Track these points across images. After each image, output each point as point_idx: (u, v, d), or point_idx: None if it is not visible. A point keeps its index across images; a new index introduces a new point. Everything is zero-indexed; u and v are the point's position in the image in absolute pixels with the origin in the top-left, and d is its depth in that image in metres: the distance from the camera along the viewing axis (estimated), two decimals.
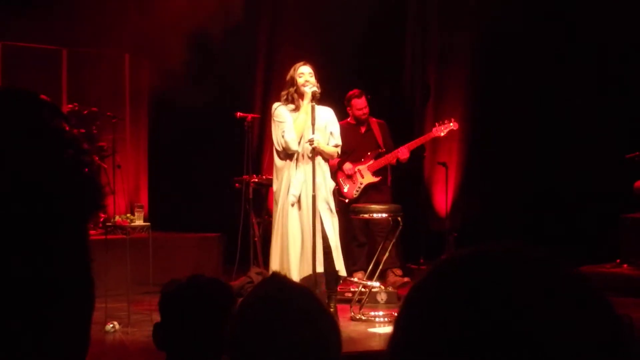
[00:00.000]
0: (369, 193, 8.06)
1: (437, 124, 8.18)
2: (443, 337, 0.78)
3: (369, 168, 8.12)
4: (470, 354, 0.77)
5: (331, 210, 6.30)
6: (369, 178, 8.11)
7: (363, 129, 8.30)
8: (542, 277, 0.81)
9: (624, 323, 0.82)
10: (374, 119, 8.37)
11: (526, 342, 0.76)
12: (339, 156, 7.93)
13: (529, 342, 0.76)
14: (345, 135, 8.13)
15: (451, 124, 8.09)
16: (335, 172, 8.07)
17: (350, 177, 8.09)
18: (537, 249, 0.84)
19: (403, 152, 8.09)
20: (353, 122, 8.30)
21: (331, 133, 6.36)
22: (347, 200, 7.97)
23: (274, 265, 6.20)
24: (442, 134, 8.15)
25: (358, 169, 8.11)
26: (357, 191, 8.06)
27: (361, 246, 8.24)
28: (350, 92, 8.34)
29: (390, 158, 8.11)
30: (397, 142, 8.35)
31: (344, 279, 6.65)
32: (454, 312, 0.79)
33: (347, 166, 8.07)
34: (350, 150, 8.05)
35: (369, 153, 8.15)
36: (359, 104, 8.26)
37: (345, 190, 8.08)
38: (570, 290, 0.82)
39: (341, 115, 8.11)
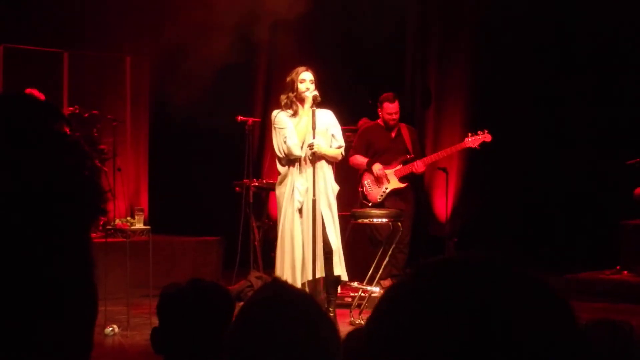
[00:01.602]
0: (393, 200, 7.83)
1: (469, 135, 7.86)
2: (417, 343, 0.81)
3: (395, 173, 7.90)
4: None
5: (333, 214, 6.30)
6: (395, 183, 7.89)
7: (393, 134, 8.09)
8: (509, 284, 0.85)
9: (579, 322, 0.86)
10: (404, 124, 8.19)
11: (494, 345, 0.80)
12: (367, 156, 7.90)
13: (498, 345, 0.80)
14: (375, 136, 8.02)
15: (484, 135, 7.80)
16: (361, 174, 7.97)
17: (377, 179, 7.86)
18: (505, 258, 0.88)
19: (418, 166, 7.89)
20: (383, 124, 8.11)
21: (333, 135, 6.37)
22: (370, 204, 7.77)
23: (279, 270, 6.20)
24: (476, 146, 7.84)
25: (385, 173, 7.90)
26: (382, 196, 7.84)
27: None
28: (385, 94, 8.10)
29: (414, 165, 7.91)
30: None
31: (345, 283, 6.65)
32: (426, 320, 0.82)
33: (377, 167, 7.83)
34: (380, 152, 7.94)
35: (398, 158, 7.94)
36: (390, 109, 8.00)
37: (370, 194, 7.87)
38: (536, 295, 0.85)
39: (348, 116, 8.08)
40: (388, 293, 0.89)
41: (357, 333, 1.88)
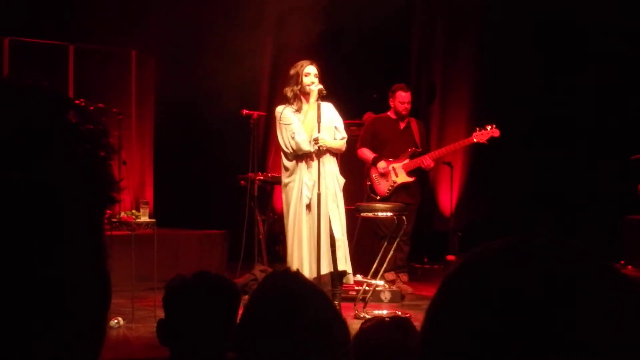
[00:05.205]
0: (399, 193, 7.77)
1: (477, 129, 7.75)
2: (475, 334, 0.76)
3: (403, 167, 7.83)
4: (505, 353, 0.74)
5: (339, 208, 6.31)
6: (403, 177, 7.82)
7: (402, 125, 8.02)
8: (582, 271, 0.79)
9: None
10: (414, 119, 8.14)
11: (564, 338, 0.73)
12: (373, 146, 7.89)
13: (567, 338, 0.74)
14: (383, 127, 7.98)
15: (492, 130, 7.68)
16: (368, 168, 7.93)
17: (384, 174, 7.83)
18: (572, 242, 0.82)
19: (427, 162, 7.83)
20: (393, 116, 8.03)
21: (336, 127, 6.38)
22: (378, 198, 7.72)
23: (289, 265, 6.21)
24: (484, 142, 7.72)
25: (393, 167, 7.82)
26: (390, 190, 7.78)
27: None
28: (397, 84, 8.05)
29: (423, 160, 7.86)
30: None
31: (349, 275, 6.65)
32: (489, 309, 0.76)
33: (382, 164, 7.77)
34: (388, 145, 7.89)
35: (406, 151, 7.86)
36: (403, 97, 7.94)
37: (378, 187, 7.82)
38: (612, 285, 0.79)
39: (353, 111, 8.06)
40: (448, 274, 0.81)
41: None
